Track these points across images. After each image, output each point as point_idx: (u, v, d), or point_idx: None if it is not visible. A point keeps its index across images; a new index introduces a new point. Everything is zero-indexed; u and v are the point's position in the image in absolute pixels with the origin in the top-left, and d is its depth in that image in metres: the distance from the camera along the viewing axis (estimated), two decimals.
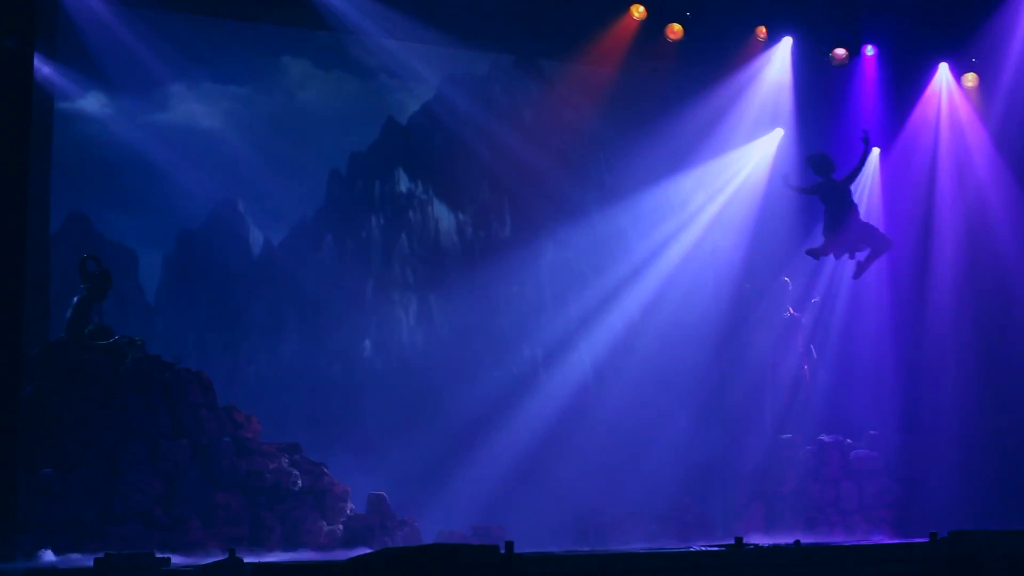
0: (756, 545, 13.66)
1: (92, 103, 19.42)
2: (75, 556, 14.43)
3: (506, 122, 22.50)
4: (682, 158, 22.72)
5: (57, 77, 18.56)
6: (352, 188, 21.51)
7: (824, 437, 21.30)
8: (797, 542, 13.82)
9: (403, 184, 21.83)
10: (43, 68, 17.98)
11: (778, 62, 22.54)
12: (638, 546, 19.45)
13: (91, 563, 11.78)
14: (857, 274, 19.27)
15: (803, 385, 21.85)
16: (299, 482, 17.35)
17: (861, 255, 19.01)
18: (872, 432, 21.54)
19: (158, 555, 11.95)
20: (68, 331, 16.78)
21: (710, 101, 22.79)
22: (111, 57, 19.16)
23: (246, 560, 11.43)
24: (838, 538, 19.58)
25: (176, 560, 12.62)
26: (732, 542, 13.18)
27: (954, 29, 22.26)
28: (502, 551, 11.28)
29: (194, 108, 20.24)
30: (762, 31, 22.12)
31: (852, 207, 18.79)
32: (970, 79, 22.76)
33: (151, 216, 19.83)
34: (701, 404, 22.47)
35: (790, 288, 22.34)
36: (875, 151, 22.92)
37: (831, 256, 19.56)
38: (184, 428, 16.61)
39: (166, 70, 19.74)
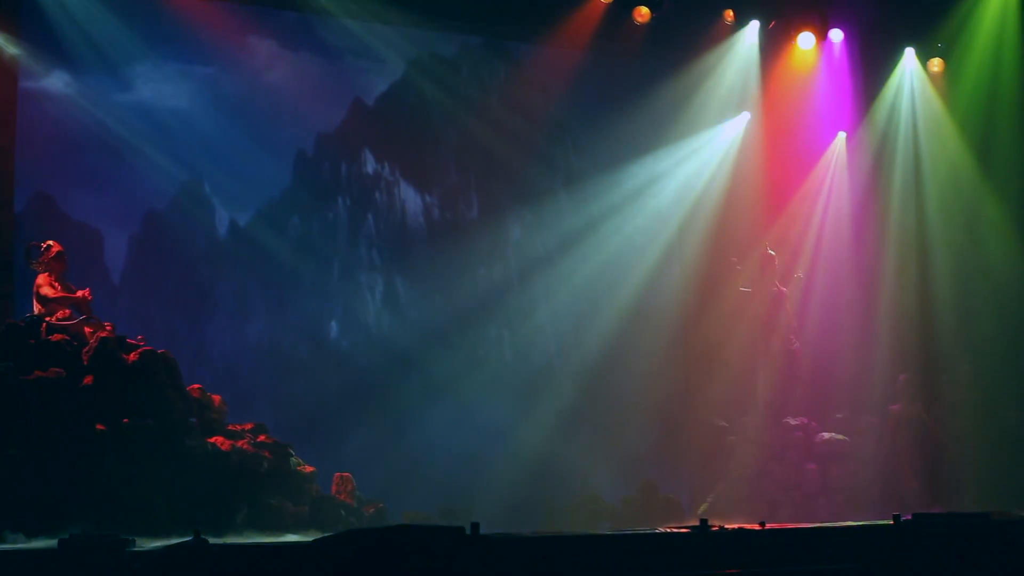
0: (721, 527, 13.71)
1: (56, 82, 19.25)
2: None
3: (474, 104, 22.48)
4: (649, 140, 22.79)
5: (21, 56, 18.45)
6: (319, 169, 21.43)
7: (789, 420, 21.38)
8: (762, 524, 13.87)
9: (370, 165, 21.77)
10: (7, 47, 17.85)
11: (745, 45, 22.61)
12: (604, 528, 19.54)
13: (55, 544, 11.72)
14: None
15: (794, 360, 21.80)
16: (265, 463, 17.32)
17: None
18: (838, 415, 21.64)
19: (123, 536, 11.90)
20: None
21: (677, 84, 22.86)
22: (75, 36, 19.05)
23: (211, 541, 11.40)
24: (802, 520, 19.68)
25: (141, 541, 12.56)
26: (697, 524, 13.24)
27: (921, 15, 22.40)
28: (468, 532, 11.30)
29: (160, 88, 20.10)
30: (729, 14, 22.19)
31: None
32: (936, 64, 22.89)
33: (117, 196, 19.68)
34: (667, 385, 22.54)
35: (776, 261, 22.18)
36: (841, 135, 23.07)
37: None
38: (149, 409, 16.52)
39: (131, 50, 19.62)
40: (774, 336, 21.79)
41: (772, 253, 22.06)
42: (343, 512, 17.83)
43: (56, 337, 16.36)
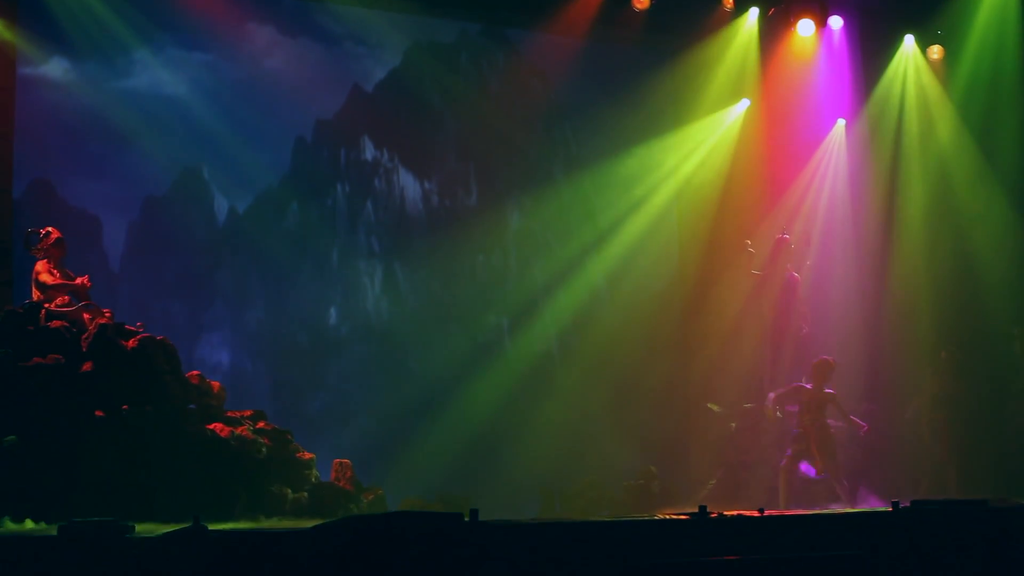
0: (720, 513, 13.71)
1: (55, 69, 19.24)
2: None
3: (472, 90, 22.49)
4: (648, 127, 22.79)
5: (19, 42, 18.41)
6: (318, 156, 21.42)
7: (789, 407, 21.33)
8: (761, 510, 13.87)
9: (369, 152, 21.76)
10: (4, 33, 17.80)
11: (745, 33, 22.57)
12: (603, 514, 19.55)
13: (55, 531, 11.73)
14: None
15: (803, 347, 21.55)
16: (264, 449, 17.31)
17: None
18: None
19: (122, 522, 11.89)
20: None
21: (676, 71, 22.87)
22: (74, 22, 19.01)
23: (210, 527, 11.40)
24: (801, 507, 19.68)
25: (140, 527, 12.56)
26: (696, 511, 13.23)
27: (920, 2, 22.38)
28: (466, 519, 11.30)
29: (159, 75, 20.08)
30: (729, 2, 22.14)
31: None
32: (936, 51, 22.87)
33: (115, 183, 19.67)
34: (667, 372, 22.54)
35: (791, 246, 21.71)
36: (840, 122, 23.04)
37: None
38: (148, 395, 16.51)
39: (130, 36, 19.60)
40: (783, 321, 21.62)
41: (787, 237, 21.71)
42: (342, 499, 17.82)
43: (55, 324, 16.35)
